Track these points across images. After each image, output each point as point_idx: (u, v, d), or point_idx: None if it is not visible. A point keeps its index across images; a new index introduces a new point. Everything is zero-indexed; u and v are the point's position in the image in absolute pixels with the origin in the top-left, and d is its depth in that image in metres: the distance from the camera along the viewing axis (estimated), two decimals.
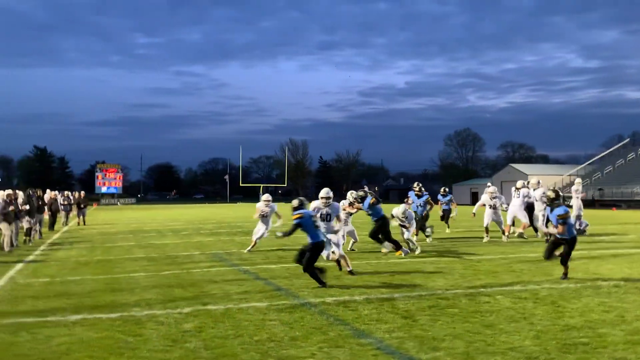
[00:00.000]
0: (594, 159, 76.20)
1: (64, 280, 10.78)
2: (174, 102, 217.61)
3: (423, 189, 17.84)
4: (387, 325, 6.80)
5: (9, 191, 17.39)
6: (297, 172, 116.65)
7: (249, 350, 5.87)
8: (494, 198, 17.35)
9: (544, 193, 16.79)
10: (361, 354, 5.66)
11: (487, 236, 17.23)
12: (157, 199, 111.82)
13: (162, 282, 10.30)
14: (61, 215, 28.99)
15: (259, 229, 15.36)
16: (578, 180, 23.12)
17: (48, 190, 29.31)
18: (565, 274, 10.03)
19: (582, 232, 18.77)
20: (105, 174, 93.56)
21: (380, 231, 13.64)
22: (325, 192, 11.20)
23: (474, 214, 18.59)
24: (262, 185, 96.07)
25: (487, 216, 17.38)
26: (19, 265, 13.02)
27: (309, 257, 9.50)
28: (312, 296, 8.71)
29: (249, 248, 15.31)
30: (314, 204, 11.27)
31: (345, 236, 13.72)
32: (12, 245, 16.31)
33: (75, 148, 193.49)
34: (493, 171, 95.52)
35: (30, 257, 14.77)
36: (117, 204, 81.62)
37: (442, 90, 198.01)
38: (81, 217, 29.15)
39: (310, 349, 5.85)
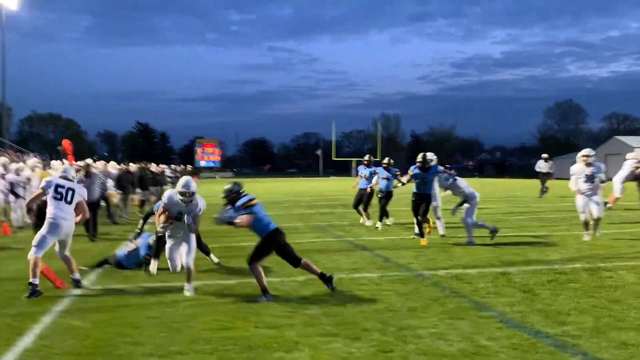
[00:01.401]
0: None
1: None
2: (266, 77, 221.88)
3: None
4: (507, 299, 6.66)
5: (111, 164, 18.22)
6: (389, 146, 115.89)
7: (368, 319, 5.92)
8: (590, 165, 11.26)
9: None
10: (485, 327, 5.58)
11: (586, 232, 11.53)
12: (252, 172, 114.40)
13: None
14: (167, 188, 30.24)
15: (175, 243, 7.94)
16: None
17: (153, 164, 30.59)
18: (264, 290, 6.92)
19: None
20: (204, 149, 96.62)
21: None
22: (184, 181, 7.64)
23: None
24: (354, 159, 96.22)
25: (581, 201, 11.44)
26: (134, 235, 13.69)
27: None
28: (423, 268, 8.66)
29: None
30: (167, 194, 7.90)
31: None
32: (123, 215, 17.16)
33: (175, 123, 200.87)
34: (596, 144, 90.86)
35: (146, 227, 15.47)
36: (215, 177, 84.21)
37: (540, 60, 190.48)
38: None
39: (431, 320, 5.83)
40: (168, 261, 7.76)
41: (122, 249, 9.27)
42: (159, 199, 24.59)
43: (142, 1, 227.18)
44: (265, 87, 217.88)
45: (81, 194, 7.98)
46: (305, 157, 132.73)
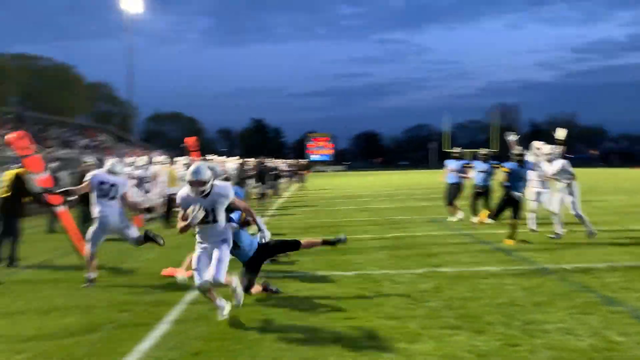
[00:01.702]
0: None
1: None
2: (377, 70, 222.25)
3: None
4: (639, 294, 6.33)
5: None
6: (505, 136, 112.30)
7: (492, 312, 5.83)
8: None
9: None
10: (615, 321, 5.35)
11: None
12: (363, 166, 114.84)
13: (388, 244, 10.60)
14: (284, 181, 31.11)
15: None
16: None
17: (271, 159, 31.62)
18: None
19: None
20: (316, 143, 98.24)
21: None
22: (194, 167, 5.86)
23: None
24: (467, 150, 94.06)
25: None
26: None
27: None
28: (548, 262, 8.38)
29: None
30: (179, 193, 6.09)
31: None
32: None
33: (288, 118, 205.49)
34: None
35: (263, 220, 16.01)
36: (326, 171, 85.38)
37: None
38: (301, 182, 31.15)
39: (558, 315, 5.66)
40: (194, 273, 5.91)
41: None
42: (276, 193, 25.39)
43: (256, 0, 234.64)
44: (375, 79, 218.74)
45: (124, 187, 8.21)
46: (417, 149, 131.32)
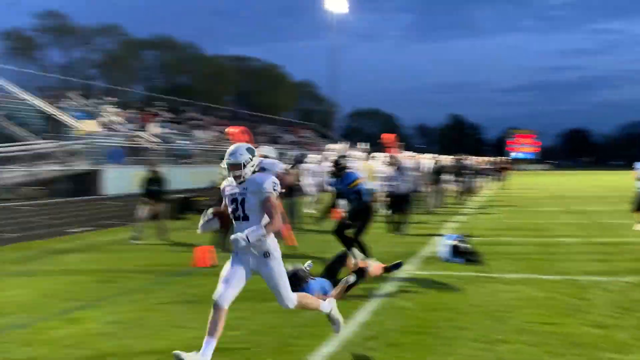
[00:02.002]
0: None
1: (496, 241, 11.25)
2: (588, 62, 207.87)
3: None
4: None
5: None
6: None
7: None
8: None
9: None
10: None
11: None
12: (571, 165, 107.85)
13: (597, 250, 9.93)
14: (483, 180, 30.36)
15: None
16: None
17: (470, 156, 31.04)
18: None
19: None
20: (518, 140, 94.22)
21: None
22: (231, 148, 4.76)
23: None
24: None
25: None
26: (452, 224, 14.10)
27: None
28: None
29: None
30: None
31: None
32: (437, 206, 17.76)
33: (488, 115, 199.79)
34: None
35: (462, 218, 15.84)
36: (530, 170, 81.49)
37: None
38: (502, 181, 30.25)
39: None
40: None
41: (443, 242, 9.46)
42: (473, 191, 24.91)
43: None
44: (586, 72, 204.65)
45: (276, 167, 8.58)
46: (633, 148, 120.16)
